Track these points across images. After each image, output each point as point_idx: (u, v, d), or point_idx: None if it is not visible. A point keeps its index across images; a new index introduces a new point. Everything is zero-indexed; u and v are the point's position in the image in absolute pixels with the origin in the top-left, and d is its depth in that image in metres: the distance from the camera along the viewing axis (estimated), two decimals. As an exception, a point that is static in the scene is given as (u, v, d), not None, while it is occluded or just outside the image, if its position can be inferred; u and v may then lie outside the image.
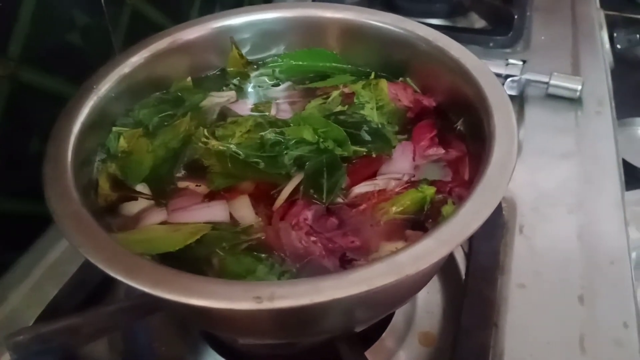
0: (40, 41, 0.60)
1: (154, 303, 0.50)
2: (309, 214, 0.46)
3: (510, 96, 0.49)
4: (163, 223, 0.46)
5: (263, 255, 0.44)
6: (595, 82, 0.89)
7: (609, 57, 1.01)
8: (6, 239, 0.62)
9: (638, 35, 1.57)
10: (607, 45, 1.04)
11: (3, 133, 0.58)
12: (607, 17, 1.11)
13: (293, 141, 0.52)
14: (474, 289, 0.57)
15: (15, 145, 0.61)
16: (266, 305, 0.34)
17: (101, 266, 0.37)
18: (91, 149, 0.51)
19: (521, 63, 0.86)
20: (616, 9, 1.40)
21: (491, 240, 0.62)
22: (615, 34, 1.39)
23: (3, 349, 0.55)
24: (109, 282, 0.61)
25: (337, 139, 0.52)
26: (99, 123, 0.51)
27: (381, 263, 0.37)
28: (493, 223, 0.64)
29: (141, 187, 0.50)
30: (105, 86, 0.52)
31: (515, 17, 1.00)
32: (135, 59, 0.55)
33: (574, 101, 0.84)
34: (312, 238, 0.44)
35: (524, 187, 0.70)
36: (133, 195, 0.49)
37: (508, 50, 0.96)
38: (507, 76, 0.85)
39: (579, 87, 0.83)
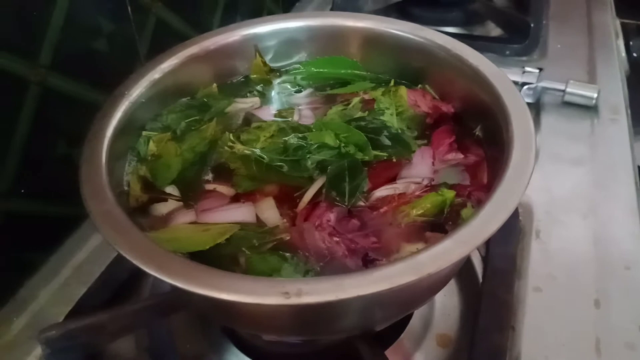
0: (69, 48, 0.62)
1: (178, 301, 0.51)
2: (331, 216, 0.47)
3: (527, 103, 0.50)
4: (192, 223, 0.48)
5: (288, 254, 0.45)
6: (611, 90, 0.89)
7: (624, 66, 1.01)
8: (35, 240, 0.64)
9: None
10: (623, 53, 1.04)
11: (32, 137, 0.60)
12: (623, 25, 1.11)
13: (315, 146, 0.53)
14: (490, 292, 0.58)
15: (43, 148, 0.62)
16: (294, 300, 0.35)
17: (136, 262, 0.38)
18: (123, 152, 0.53)
19: (537, 71, 0.87)
20: (632, 17, 1.40)
21: (508, 244, 0.63)
22: (631, 42, 1.39)
23: (32, 344, 0.57)
24: (135, 282, 0.63)
25: (358, 143, 0.53)
26: (130, 127, 0.53)
27: (403, 262, 0.38)
28: (510, 227, 0.65)
29: (171, 189, 0.51)
30: (136, 92, 0.54)
31: (532, 25, 1.01)
32: (165, 66, 0.57)
33: (590, 109, 0.85)
34: (335, 238, 0.46)
35: (541, 193, 0.71)
36: (163, 197, 0.50)
37: (524, 58, 0.97)
38: (524, 84, 0.86)
39: (595, 95, 0.84)
